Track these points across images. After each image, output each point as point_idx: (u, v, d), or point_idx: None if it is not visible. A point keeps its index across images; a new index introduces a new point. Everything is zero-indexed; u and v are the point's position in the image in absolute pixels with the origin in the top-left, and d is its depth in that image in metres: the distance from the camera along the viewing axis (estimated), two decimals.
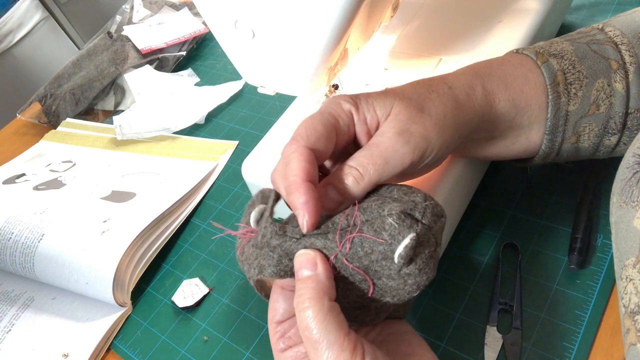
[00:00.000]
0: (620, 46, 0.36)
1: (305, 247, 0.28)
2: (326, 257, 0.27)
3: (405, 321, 0.32)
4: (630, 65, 0.35)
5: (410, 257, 0.26)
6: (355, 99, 0.32)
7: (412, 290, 0.27)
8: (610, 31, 0.37)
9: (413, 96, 0.33)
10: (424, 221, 0.28)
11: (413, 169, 0.32)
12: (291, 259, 0.28)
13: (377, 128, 0.32)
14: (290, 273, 0.28)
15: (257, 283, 0.30)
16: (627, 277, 0.25)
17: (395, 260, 0.26)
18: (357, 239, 0.27)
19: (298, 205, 0.28)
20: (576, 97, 0.35)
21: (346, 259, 0.27)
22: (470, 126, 0.34)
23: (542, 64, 0.35)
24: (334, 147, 0.31)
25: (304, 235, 0.28)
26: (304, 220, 0.27)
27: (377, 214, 0.27)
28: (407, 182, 0.33)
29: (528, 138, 0.37)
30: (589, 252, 0.42)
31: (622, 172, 0.28)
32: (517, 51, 0.37)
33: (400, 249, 0.26)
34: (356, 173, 0.30)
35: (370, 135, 0.32)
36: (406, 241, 0.26)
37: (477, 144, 0.37)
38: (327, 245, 0.27)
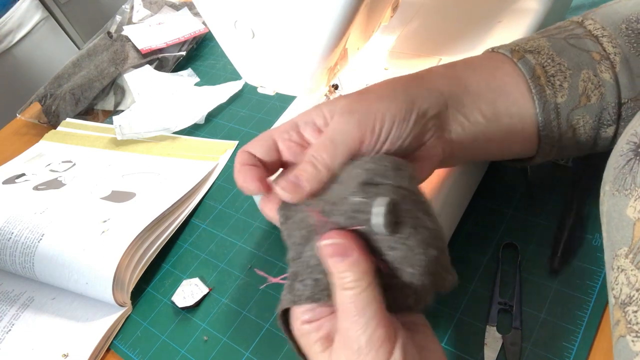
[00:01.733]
0: (601, 39, 0.35)
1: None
2: None
3: (422, 314, 0.31)
4: (616, 55, 0.34)
5: (394, 220, 0.25)
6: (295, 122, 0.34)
7: (422, 252, 0.26)
8: (590, 24, 0.36)
9: (362, 89, 0.33)
10: (387, 182, 0.27)
11: (374, 146, 0.31)
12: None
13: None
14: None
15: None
16: (618, 268, 0.25)
17: (384, 231, 0.26)
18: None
19: (238, 180, 0.32)
20: (562, 88, 0.34)
21: None
22: (433, 99, 0.33)
23: (518, 60, 0.35)
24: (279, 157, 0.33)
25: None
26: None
27: (342, 199, 0.27)
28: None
29: (524, 132, 0.36)
30: (583, 253, 0.42)
31: (615, 160, 0.27)
32: (492, 50, 0.37)
33: (379, 220, 0.25)
34: (311, 159, 0.30)
35: None
36: (378, 210, 0.25)
37: (470, 136, 0.35)
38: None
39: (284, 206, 0.31)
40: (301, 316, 0.28)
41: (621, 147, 0.27)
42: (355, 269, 0.26)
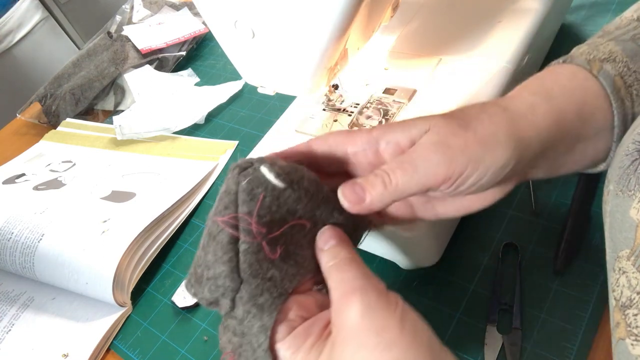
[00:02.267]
0: None
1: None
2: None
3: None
4: None
5: (280, 172, 0.27)
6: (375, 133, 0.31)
7: (320, 191, 0.29)
8: None
9: (459, 114, 0.30)
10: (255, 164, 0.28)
11: (453, 188, 0.29)
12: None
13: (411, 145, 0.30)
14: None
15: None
16: (620, 269, 0.25)
17: (279, 183, 0.27)
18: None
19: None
20: (639, 97, 0.32)
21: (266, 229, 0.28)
22: (535, 147, 0.31)
23: (598, 72, 0.32)
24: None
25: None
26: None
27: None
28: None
29: (595, 149, 0.34)
30: (584, 253, 0.42)
31: (620, 160, 0.27)
32: (563, 61, 0.34)
33: (270, 176, 0.27)
34: (384, 175, 0.29)
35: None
36: (263, 168, 0.27)
37: (544, 163, 0.33)
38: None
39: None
40: (284, 343, 0.27)
41: (626, 147, 0.27)
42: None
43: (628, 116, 0.32)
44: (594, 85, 0.32)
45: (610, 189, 0.27)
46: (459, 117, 0.30)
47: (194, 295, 0.27)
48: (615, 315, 0.25)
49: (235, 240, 0.27)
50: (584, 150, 0.34)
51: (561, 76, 0.33)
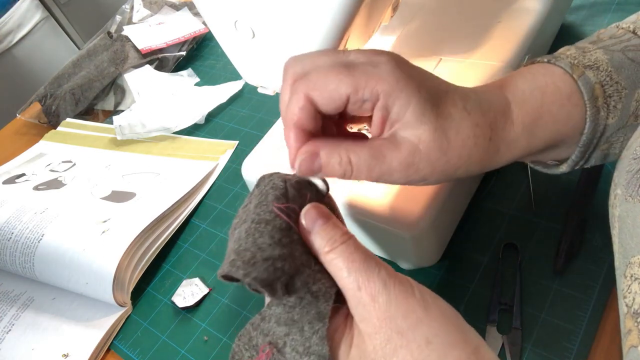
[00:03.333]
0: None
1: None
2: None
3: None
4: None
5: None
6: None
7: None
8: None
9: (445, 111, 0.30)
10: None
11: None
12: None
13: None
14: None
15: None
16: (632, 276, 0.25)
17: (325, 190, 0.30)
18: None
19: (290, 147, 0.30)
20: (615, 109, 0.32)
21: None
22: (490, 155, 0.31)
23: (578, 77, 0.32)
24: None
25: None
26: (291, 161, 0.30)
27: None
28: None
29: (558, 154, 0.34)
30: (584, 253, 0.42)
31: (628, 164, 0.27)
32: (547, 61, 0.34)
33: (318, 184, 0.30)
34: (346, 166, 0.29)
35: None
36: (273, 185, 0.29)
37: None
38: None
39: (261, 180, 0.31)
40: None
41: (634, 150, 0.27)
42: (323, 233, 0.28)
43: (599, 126, 0.32)
44: (573, 90, 0.32)
45: (618, 192, 0.27)
46: (441, 117, 0.29)
47: (245, 276, 0.26)
48: (626, 323, 0.25)
49: (290, 227, 0.28)
50: (546, 154, 0.34)
51: (543, 77, 0.33)
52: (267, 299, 0.28)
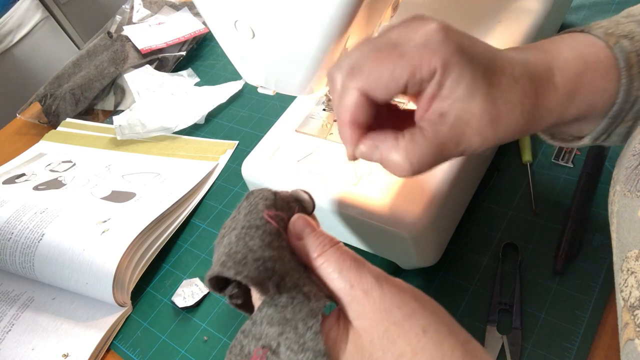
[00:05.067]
0: None
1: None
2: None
3: None
4: None
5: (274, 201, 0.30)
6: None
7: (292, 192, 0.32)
8: None
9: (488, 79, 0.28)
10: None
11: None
12: None
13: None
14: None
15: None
16: (628, 270, 0.25)
17: (311, 205, 0.32)
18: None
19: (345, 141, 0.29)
20: None
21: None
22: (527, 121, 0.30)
23: (614, 45, 0.31)
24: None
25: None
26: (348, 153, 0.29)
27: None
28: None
29: (581, 128, 0.33)
30: (584, 253, 0.42)
31: (627, 160, 0.27)
32: (580, 30, 0.33)
33: (305, 198, 0.31)
34: (405, 154, 0.28)
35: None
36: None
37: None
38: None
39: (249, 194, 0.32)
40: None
41: (634, 147, 0.27)
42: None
43: (631, 97, 0.31)
44: (612, 63, 0.31)
45: (617, 189, 0.27)
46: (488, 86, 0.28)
47: (236, 274, 0.26)
48: (623, 316, 0.25)
49: (279, 233, 0.28)
50: (572, 126, 0.33)
51: (586, 47, 0.32)
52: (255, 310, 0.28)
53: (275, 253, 0.27)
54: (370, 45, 0.28)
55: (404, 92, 0.27)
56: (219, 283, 0.29)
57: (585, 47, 0.31)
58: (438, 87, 0.27)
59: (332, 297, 0.27)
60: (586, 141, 0.34)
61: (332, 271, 0.27)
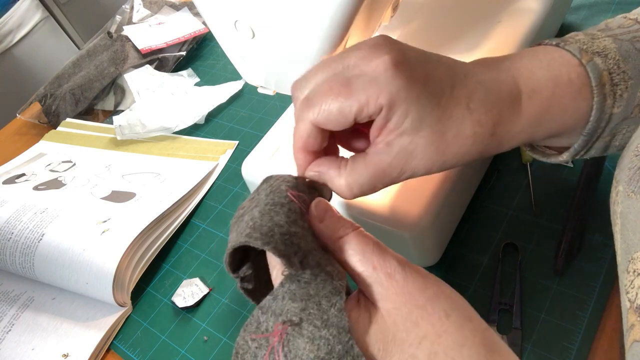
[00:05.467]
0: None
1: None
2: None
3: None
4: None
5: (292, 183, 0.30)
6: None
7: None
8: None
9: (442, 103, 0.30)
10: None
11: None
12: None
13: None
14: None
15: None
16: (634, 271, 0.25)
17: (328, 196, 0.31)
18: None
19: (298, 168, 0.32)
20: (621, 99, 0.32)
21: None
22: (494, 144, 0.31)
23: (587, 63, 0.31)
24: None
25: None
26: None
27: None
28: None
29: (559, 142, 0.34)
30: (584, 253, 0.42)
31: (630, 161, 0.27)
32: (556, 44, 0.33)
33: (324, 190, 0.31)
34: (348, 180, 0.31)
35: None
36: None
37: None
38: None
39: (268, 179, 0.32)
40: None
41: (636, 147, 0.27)
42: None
43: (605, 115, 0.32)
44: (584, 82, 0.32)
45: (620, 189, 0.27)
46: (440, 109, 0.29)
47: (264, 244, 0.26)
48: (629, 317, 0.25)
49: (303, 214, 0.28)
50: (547, 141, 0.34)
51: (559, 66, 0.32)
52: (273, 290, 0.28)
53: (300, 231, 0.27)
54: (326, 72, 0.30)
55: (356, 123, 0.29)
56: (233, 263, 0.29)
57: (558, 65, 0.32)
58: (385, 121, 0.29)
59: (353, 279, 0.27)
60: (565, 157, 0.35)
61: (354, 253, 0.27)
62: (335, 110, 0.28)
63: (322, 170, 0.31)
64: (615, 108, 0.32)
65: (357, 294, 0.27)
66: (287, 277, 0.26)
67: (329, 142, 0.32)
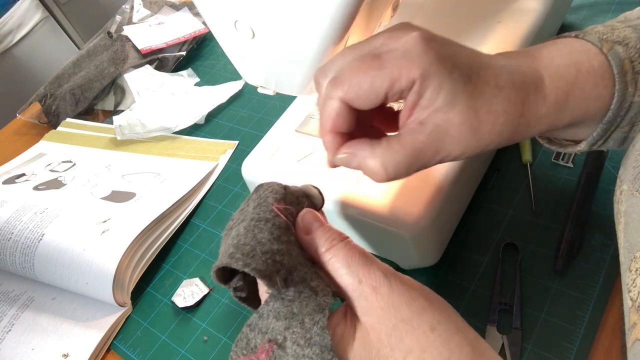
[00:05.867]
0: None
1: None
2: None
3: None
4: None
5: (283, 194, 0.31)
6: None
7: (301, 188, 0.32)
8: None
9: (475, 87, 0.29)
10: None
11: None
12: None
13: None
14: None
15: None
16: (637, 270, 0.24)
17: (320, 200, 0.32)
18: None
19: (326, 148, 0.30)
20: None
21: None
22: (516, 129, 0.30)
23: (608, 51, 0.31)
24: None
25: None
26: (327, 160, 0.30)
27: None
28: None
29: (577, 133, 0.34)
30: (584, 253, 0.42)
31: (635, 159, 0.27)
32: (575, 36, 0.33)
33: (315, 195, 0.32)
34: (381, 162, 0.29)
35: None
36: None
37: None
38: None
39: (259, 187, 0.32)
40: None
41: None
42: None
43: (626, 103, 0.31)
44: (606, 70, 0.31)
45: (624, 188, 0.27)
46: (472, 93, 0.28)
47: (244, 266, 0.26)
48: (631, 316, 0.25)
49: (288, 227, 0.28)
50: (567, 131, 0.33)
51: (580, 54, 0.32)
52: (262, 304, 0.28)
53: (284, 247, 0.27)
54: (354, 53, 0.29)
55: (387, 100, 0.28)
56: (224, 275, 0.29)
57: (579, 53, 0.31)
58: (417, 97, 0.27)
59: (339, 292, 0.27)
60: (583, 147, 0.34)
61: (340, 266, 0.27)
62: (366, 85, 0.27)
63: (354, 152, 0.29)
64: (636, 97, 0.31)
65: (345, 307, 0.27)
66: (271, 296, 0.27)
67: (356, 130, 0.30)
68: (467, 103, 0.27)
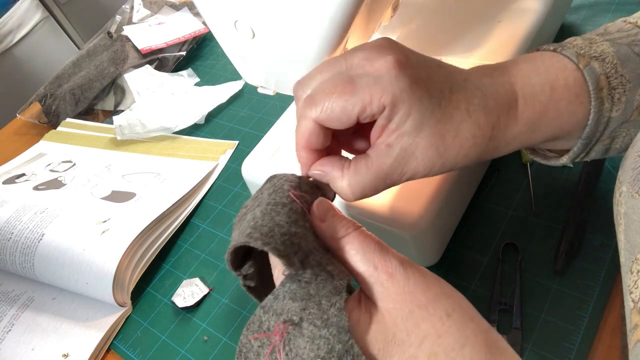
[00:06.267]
0: None
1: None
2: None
3: None
4: None
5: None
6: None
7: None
8: None
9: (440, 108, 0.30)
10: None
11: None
12: None
13: None
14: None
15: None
16: (638, 271, 0.25)
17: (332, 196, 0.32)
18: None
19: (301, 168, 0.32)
20: (619, 102, 0.32)
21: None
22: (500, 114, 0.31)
23: (584, 67, 0.31)
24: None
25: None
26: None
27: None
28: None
29: (557, 145, 0.35)
30: (584, 253, 0.42)
31: (634, 161, 0.27)
32: (554, 49, 0.34)
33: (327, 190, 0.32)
34: (348, 183, 0.31)
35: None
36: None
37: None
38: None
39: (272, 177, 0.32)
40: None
41: (639, 148, 0.27)
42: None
43: (603, 118, 0.32)
44: (581, 87, 0.32)
45: (623, 190, 0.27)
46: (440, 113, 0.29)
47: (263, 244, 0.26)
48: (633, 318, 0.25)
49: (304, 214, 0.28)
50: (545, 145, 0.34)
51: (556, 71, 0.33)
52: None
53: (301, 231, 0.27)
54: (331, 70, 0.30)
55: (359, 121, 0.29)
56: (236, 261, 0.29)
57: (555, 70, 0.32)
58: (387, 121, 0.29)
59: (355, 279, 0.27)
60: (565, 160, 0.35)
61: (355, 253, 0.27)
62: (338, 109, 0.28)
63: (326, 170, 0.31)
64: (614, 112, 0.32)
65: (359, 293, 0.27)
66: (288, 277, 0.26)
67: (332, 141, 0.31)
68: (434, 128, 0.29)
